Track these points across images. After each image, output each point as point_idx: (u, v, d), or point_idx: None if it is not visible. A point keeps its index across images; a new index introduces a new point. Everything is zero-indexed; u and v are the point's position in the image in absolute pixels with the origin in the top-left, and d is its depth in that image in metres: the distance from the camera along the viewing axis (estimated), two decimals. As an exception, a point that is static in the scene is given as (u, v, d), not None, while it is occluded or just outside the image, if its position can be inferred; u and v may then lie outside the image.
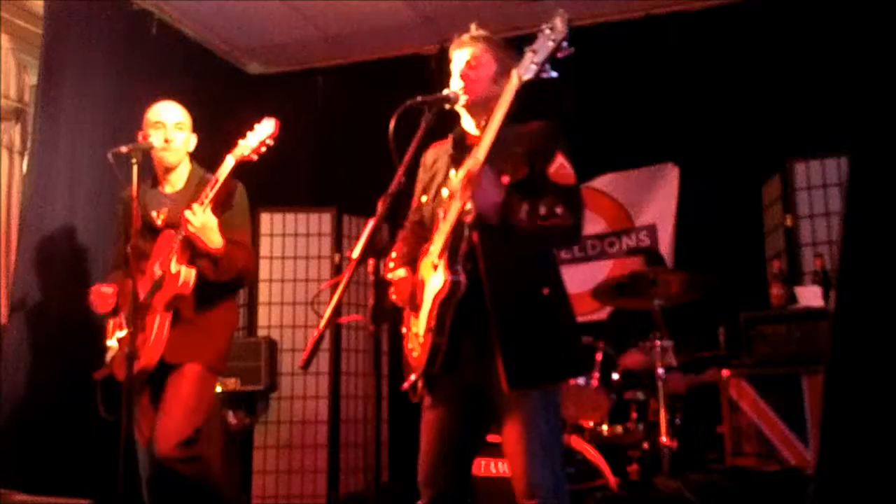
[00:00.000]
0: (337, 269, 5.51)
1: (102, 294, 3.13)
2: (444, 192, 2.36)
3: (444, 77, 2.55)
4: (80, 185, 4.38)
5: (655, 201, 5.30)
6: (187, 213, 2.98)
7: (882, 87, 1.72)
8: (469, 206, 2.24)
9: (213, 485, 3.10)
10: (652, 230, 5.30)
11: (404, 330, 2.46)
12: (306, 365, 2.07)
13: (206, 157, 3.31)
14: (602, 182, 5.45)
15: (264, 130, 2.99)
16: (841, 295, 1.69)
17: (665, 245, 5.17)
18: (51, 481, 3.80)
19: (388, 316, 2.45)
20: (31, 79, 4.76)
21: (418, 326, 2.35)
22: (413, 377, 2.39)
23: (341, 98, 5.89)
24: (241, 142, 3.00)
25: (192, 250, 3.06)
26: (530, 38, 2.16)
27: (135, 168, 2.99)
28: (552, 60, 2.12)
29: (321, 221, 5.58)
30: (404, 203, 2.60)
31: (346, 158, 5.83)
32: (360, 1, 5.12)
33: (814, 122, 4.65)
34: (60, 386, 4.08)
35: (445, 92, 2.42)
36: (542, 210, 2.22)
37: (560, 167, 2.32)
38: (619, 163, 5.35)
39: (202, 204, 2.99)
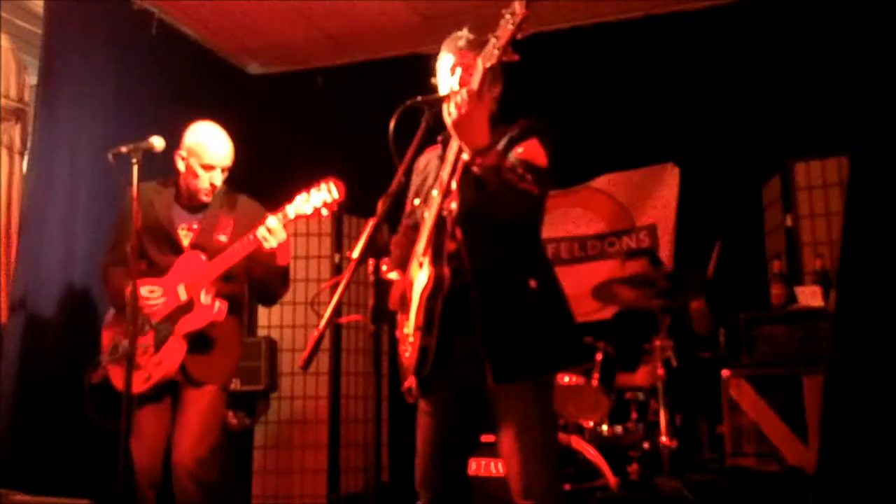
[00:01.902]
0: (337, 269, 5.51)
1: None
2: (434, 193, 2.37)
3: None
4: (80, 185, 4.38)
5: (655, 201, 5.30)
6: (272, 229, 2.99)
7: (882, 88, 1.71)
8: (454, 205, 2.25)
9: None
10: (652, 230, 5.29)
11: (398, 333, 2.46)
12: (306, 365, 2.06)
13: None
14: (602, 182, 5.45)
15: (330, 195, 2.99)
16: (841, 295, 1.69)
17: (665, 245, 5.17)
18: (51, 481, 3.80)
19: (388, 316, 2.45)
20: (31, 79, 4.76)
21: (409, 326, 2.35)
22: (410, 379, 2.39)
23: (341, 98, 5.89)
24: (299, 197, 3.01)
25: (224, 281, 3.10)
26: (529, 38, 2.17)
27: (135, 168, 2.97)
28: (515, 43, 2.13)
29: (321, 221, 5.59)
30: (404, 203, 2.61)
31: (346, 158, 5.83)
32: (360, 1, 5.12)
33: (814, 122, 4.65)
34: (61, 386, 4.08)
35: (446, 92, 2.43)
36: (519, 170, 2.23)
37: (532, 148, 2.33)
38: (619, 163, 5.35)
39: (282, 225, 3.02)
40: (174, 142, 3.19)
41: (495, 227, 2.32)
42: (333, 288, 2.12)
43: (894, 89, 1.69)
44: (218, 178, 3.17)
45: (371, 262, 2.14)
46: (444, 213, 2.28)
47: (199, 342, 3.08)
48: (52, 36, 4.32)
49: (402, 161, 2.20)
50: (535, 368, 2.34)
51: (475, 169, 2.20)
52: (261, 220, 3.02)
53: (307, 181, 3.06)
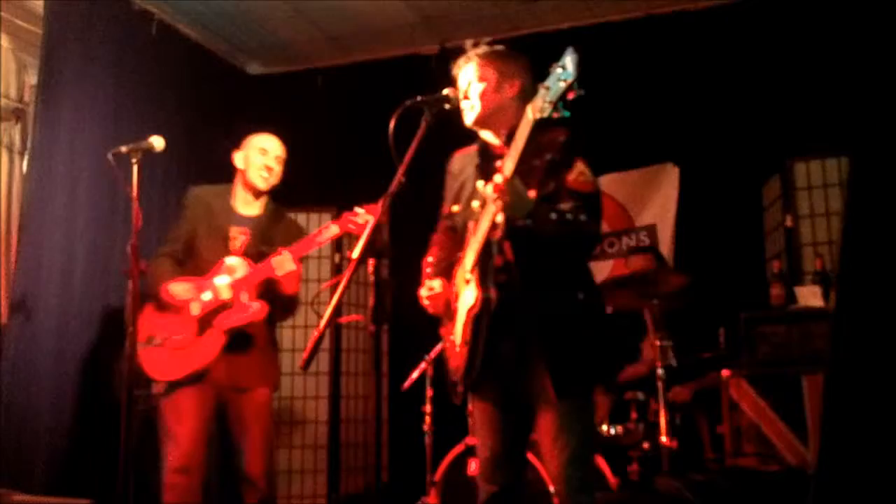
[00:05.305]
0: (337, 269, 5.51)
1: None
2: (475, 204, 2.40)
3: (444, 77, 2.56)
4: (80, 185, 4.38)
5: (655, 201, 5.29)
6: (283, 261, 3.16)
7: (882, 88, 1.72)
8: (498, 218, 2.27)
9: None
10: (652, 230, 5.29)
11: (443, 331, 2.54)
12: (306, 365, 2.08)
13: (206, 156, 3.32)
14: (602, 182, 5.42)
15: (370, 215, 3.11)
16: (841, 295, 1.69)
17: (665, 245, 5.16)
18: (51, 481, 3.80)
19: (388, 316, 2.46)
20: (31, 79, 4.76)
21: (455, 336, 2.42)
22: (455, 382, 2.45)
23: (341, 98, 5.89)
24: (347, 215, 3.15)
25: (265, 286, 3.24)
26: (530, 39, 2.17)
27: (135, 168, 2.99)
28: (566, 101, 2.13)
29: (321, 221, 5.58)
30: (404, 203, 2.61)
31: (346, 158, 5.83)
32: (360, 1, 5.12)
33: (814, 122, 4.64)
34: (60, 386, 4.08)
35: (445, 92, 2.44)
36: (569, 216, 2.26)
37: (580, 174, 2.39)
38: (619, 163, 5.35)
39: (293, 259, 3.18)
40: (174, 142, 3.21)
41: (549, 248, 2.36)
42: (333, 288, 2.13)
43: (894, 89, 1.69)
44: (272, 162, 3.36)
45: (371, 262, 2.14)
46: (492, 237, 2.32)
47: (240, 344, 3.22)
48: (52, 36, 4.32)
49: (402, 161, 2.21)
50: (594, 379, 2.48)
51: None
52: (278, 251, 3.20)
53: (307, 181, 3.09)
